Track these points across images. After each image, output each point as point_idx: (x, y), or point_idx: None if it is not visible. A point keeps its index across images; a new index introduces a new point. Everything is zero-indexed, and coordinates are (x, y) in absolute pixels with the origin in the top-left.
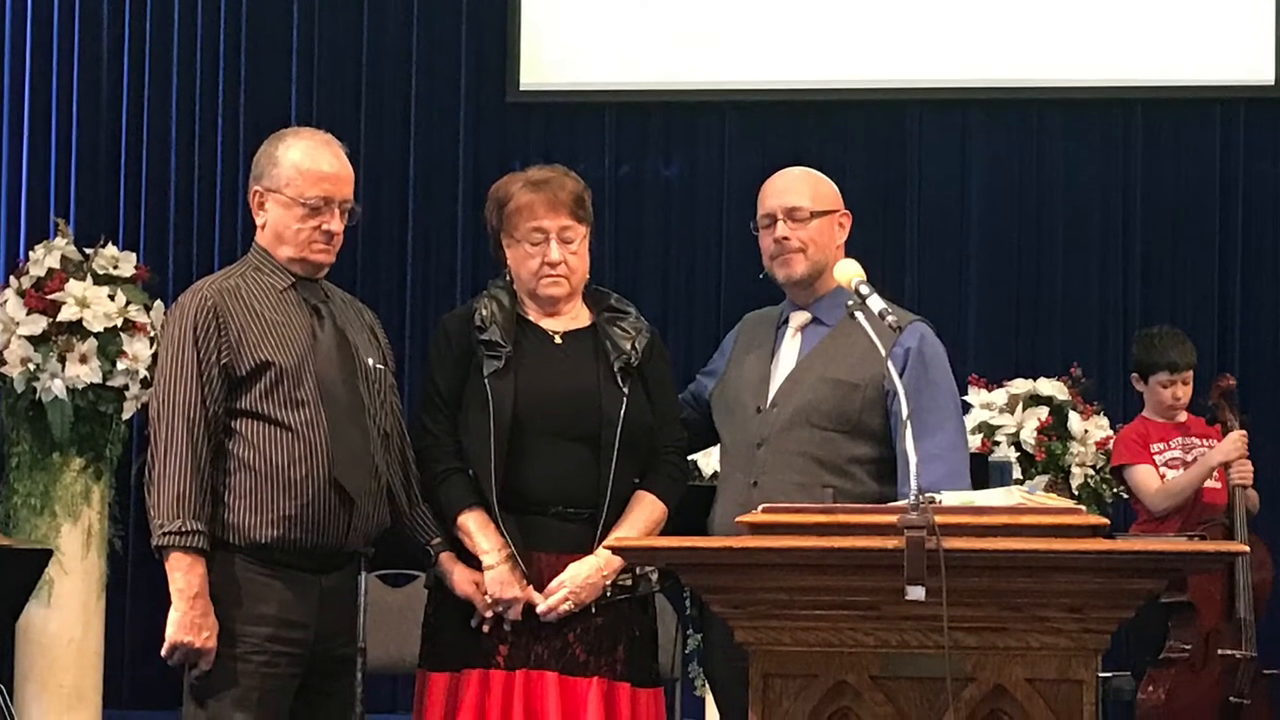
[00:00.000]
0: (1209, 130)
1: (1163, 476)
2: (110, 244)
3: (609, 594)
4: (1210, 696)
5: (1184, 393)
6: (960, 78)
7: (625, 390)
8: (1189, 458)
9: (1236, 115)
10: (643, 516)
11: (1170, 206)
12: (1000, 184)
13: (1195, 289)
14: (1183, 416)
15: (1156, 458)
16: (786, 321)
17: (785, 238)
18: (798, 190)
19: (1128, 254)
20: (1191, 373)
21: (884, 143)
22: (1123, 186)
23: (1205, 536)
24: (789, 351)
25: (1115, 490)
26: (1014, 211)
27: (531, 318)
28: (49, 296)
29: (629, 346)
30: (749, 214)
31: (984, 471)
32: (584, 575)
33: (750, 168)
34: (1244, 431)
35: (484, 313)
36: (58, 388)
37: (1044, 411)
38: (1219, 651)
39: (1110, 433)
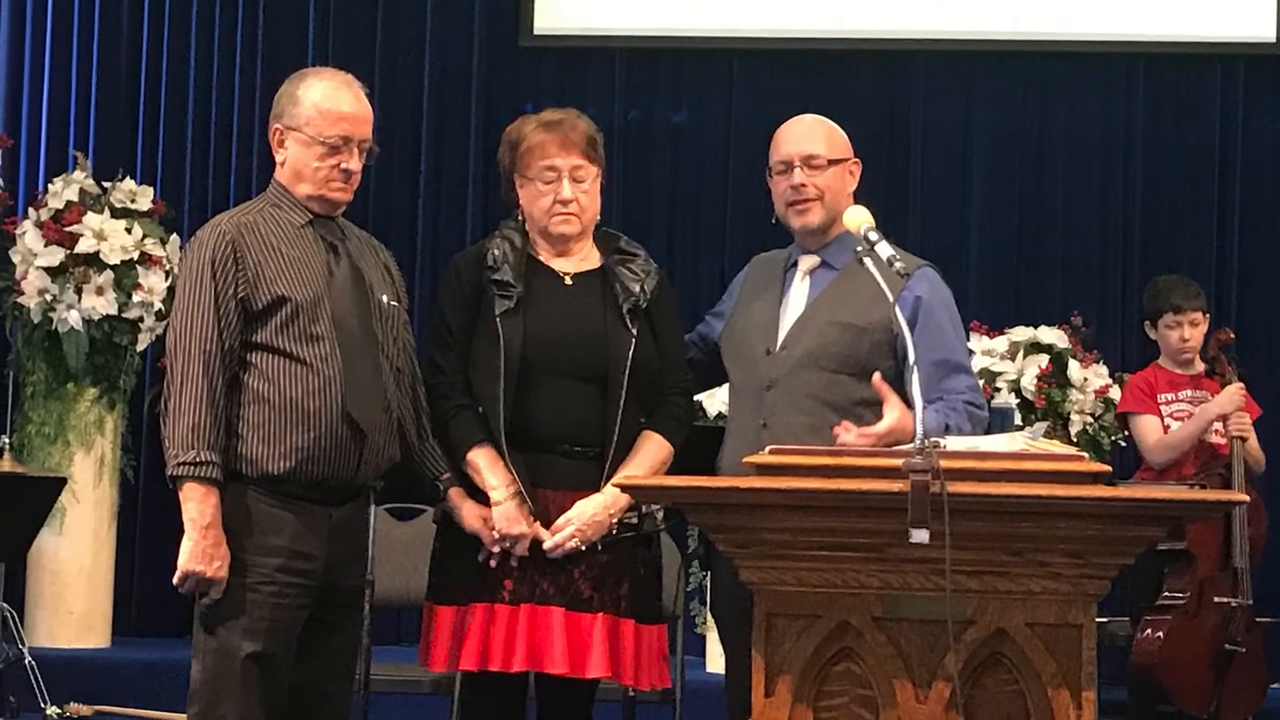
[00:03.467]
0: (1209, 86)
1: (1166, 428)
2: (128, 178)
3: (615, 532)
4: (1205, 643)
5: (1192, 334)
6: (965, 29)
7: (634, 331)
8: (1197, 410)
9: (1236, 71)
10: (649, 456)
11: (1170, 161)
12: (1003, 136)
13: (1193, 242)
14: (1198, 366)
15: (1164, 408)
16: (795, 265)
17: (803, 184)
18: (814, 138)
19: (1127, 206)
20: (1200, 315)
21: (889, 93)
22: (1124, 140)
23: (1205, 486)
24: (798, 295)
25: (1113, 438)
26: (1016, 163)
27: (542, 258)
28: (67, 229)
29: (638, 288)
30: (755, 160)
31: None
32: (590, 513)
33: (756, 115)
34: (1241, 384)
35: (496, 253)
36: (74, 318)
37: (1044, 359)
38: (1214, 599)
39: (1109, 381)
